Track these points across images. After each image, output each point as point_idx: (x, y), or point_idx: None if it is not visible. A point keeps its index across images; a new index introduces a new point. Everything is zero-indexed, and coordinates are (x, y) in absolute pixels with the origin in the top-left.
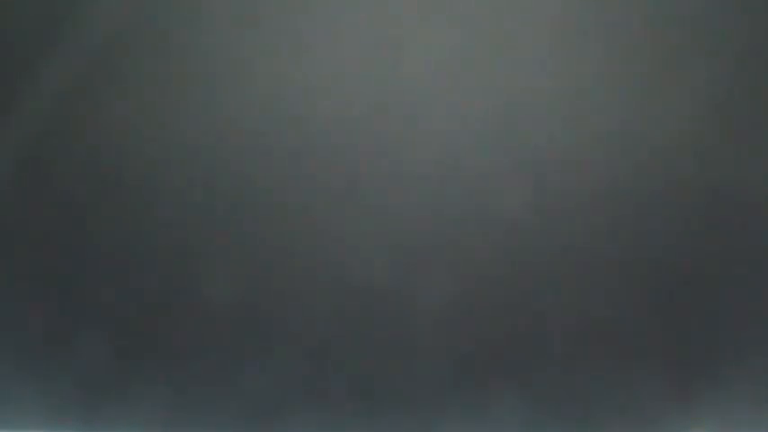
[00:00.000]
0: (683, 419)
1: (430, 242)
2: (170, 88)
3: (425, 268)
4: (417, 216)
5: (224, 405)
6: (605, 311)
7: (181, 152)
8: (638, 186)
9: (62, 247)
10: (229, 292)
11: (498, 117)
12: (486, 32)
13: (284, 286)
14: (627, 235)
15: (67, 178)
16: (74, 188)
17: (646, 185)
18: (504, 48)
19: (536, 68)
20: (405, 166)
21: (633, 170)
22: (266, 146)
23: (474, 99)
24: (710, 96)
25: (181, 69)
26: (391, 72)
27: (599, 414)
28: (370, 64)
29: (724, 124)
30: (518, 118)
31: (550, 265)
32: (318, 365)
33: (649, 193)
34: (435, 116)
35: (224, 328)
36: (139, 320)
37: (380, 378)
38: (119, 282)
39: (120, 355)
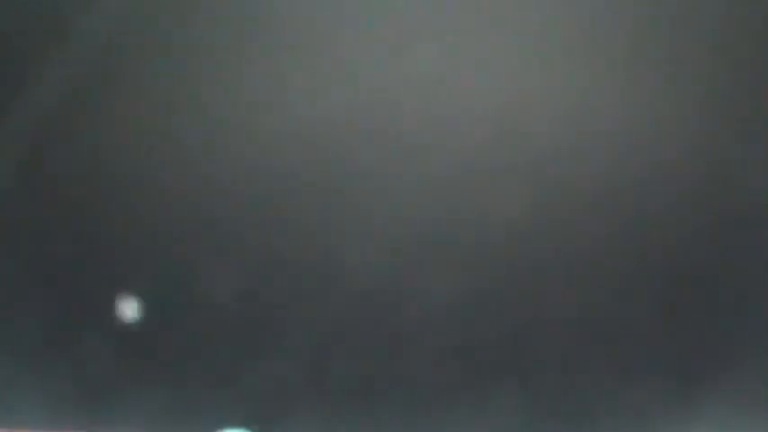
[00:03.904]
0: (682, 420)
1: (431, 242)
2: (170, 88)
3: (426, 268)
4: (418, 216)
5: (224, 405)
6: (606, 311)
7: (181, 152)
8: (639, 186)
9: (62, 246)
10: (229, 293)
11: (500, 117)
12: (488, 33)
13: (284, 286)
14: (628, 234)
15: (67, 178)
16: (73, 188)
17: (647, 185)
18: (505, 49)
19: (537, 69)
20: (405, 166)
21: (634, 170)
22: (266, 146)
23: (476, 99)
24: (711, 96)
25: (180, 69)
26: (392, 72)
27: (599, 414)
28: (371, 64)
29: (725, 124)
30: (519, 118)
31: (551, 265)
32: (318, 365)
33: (650, 193)
34: (436, 117)
35: (224, 327)
36: (140, 320)
37: (380, 378)
38: (119, 282)
39: (119, 354)
